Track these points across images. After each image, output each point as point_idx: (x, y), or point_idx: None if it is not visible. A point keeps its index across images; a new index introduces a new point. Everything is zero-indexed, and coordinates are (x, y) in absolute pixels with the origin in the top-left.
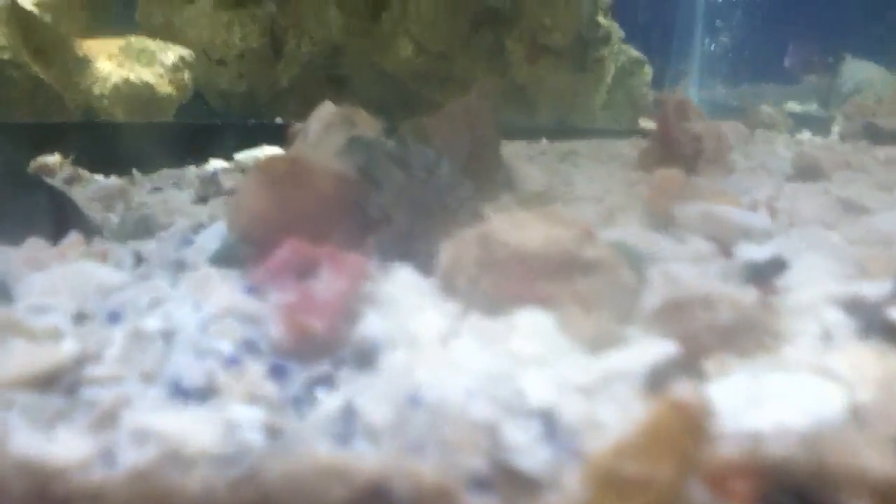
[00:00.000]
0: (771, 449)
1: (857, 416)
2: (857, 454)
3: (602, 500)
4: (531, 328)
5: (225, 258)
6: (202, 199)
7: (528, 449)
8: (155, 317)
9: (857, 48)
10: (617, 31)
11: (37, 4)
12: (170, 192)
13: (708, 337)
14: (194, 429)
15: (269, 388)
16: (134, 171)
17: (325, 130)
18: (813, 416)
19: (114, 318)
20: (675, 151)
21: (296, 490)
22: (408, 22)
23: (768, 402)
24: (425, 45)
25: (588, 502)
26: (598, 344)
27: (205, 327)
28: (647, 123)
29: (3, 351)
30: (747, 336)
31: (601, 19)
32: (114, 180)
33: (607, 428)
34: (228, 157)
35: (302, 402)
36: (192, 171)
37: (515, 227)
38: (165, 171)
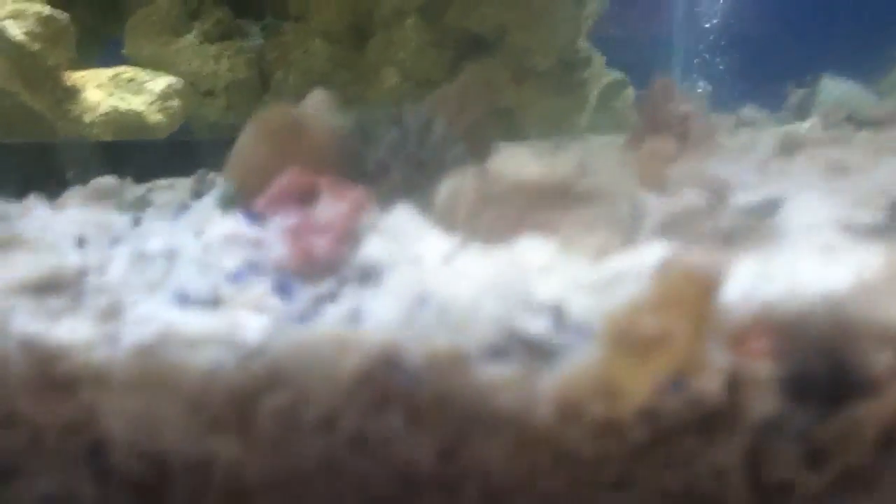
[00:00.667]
0: (788, 308)
1: (869, 284)
2: (876, 309)
3: (619, 358)
4: (534, 248)
5: (225, 204)
6: (197, 195)
7: (541, 331)
8: (157, 242)
9: (835, 67)
10: (598, 55)
11: (26, 34)
12: (163, 192)
13: (712, 238)
14: (200, 322)
15: (275, 303)
16: (128, 178)
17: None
18: (826, 284)
19: (116, 242)
20: (663, 132)
21: (307, 360)
22: (393, 51)
23: (779, 277)
24: (410, 73)
25: (605, 360)
26: (602, 254)
27: (208, 249)
28: None
29: (6, 260)
30: (750, 237)
31: (582, 43)
32: (108, 180)
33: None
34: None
35: (308, 315)
36: (184, 179)
37: (513, 163)
38: (158, 182)
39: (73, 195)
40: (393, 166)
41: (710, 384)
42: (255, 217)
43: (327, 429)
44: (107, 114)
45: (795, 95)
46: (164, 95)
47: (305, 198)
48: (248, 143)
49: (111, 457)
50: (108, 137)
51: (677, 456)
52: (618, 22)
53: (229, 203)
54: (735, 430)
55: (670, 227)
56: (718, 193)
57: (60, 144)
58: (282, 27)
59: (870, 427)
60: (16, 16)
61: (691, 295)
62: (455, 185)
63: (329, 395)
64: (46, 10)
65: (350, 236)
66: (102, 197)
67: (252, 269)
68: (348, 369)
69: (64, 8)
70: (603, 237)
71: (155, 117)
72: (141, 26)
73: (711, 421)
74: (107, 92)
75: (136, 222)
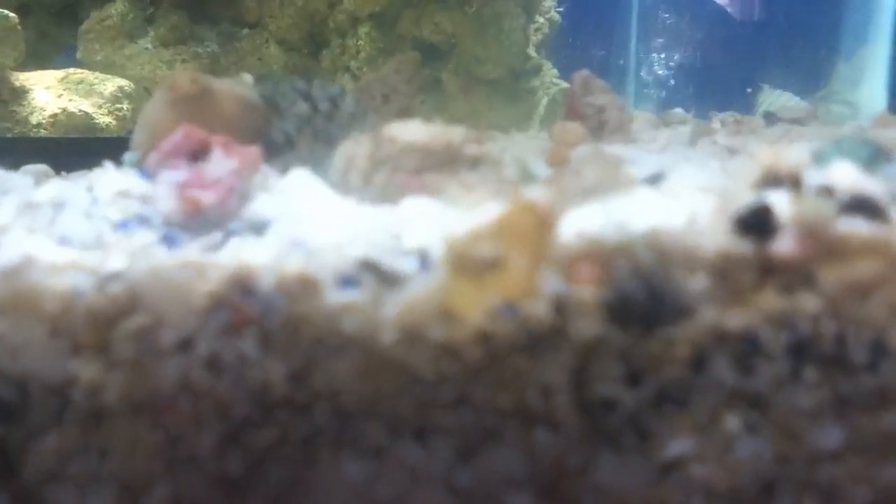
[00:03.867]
0: (616, 240)
1: (695, 221)
2: (692, 239)
3: (457, 283)
4: (417, 207)
5: (127, 165)
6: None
7: (394, 261)
8: (47, 194)
9: (773, 79)
10: (547, 64)
11: None
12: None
13: (573, 191)
14: (68, 257)
15: (158, 252)
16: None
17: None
18: (656, 221)
19: (6, 193)
20: (580, 118)
21: (162, 285)
22: (347, 58)
23: (616, 216)
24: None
25: (443, 285)
26: (475, 208)
27: (96, 202)
28: None
29: None
30: (607, 191)
31: (531, 52)
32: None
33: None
34: None
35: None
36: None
37: (406, 129)
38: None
39: None
40: (300, 139)
41: (539, 308)
42: (148, 173)
43: (183, 351)
44: (55, 115)
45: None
46: (114, 98)
47: (198, 155)
48: (154, 108)
49: None
50: None
51: (509, 376)
52: (573, 36)
53: (131, 163)
54: (561, 350)
55: (544, 185)
56: (611, 168)
57: None
58: (237, 33)
59: (682, 347)
60: None
61: (528, 225)
62: (349, 148)
63: (185, 318)
64: None
65: (240, 191)
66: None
67: (140, 221)
68: (202, 292)
69: (19, 14)
70: (483, 195)
71: (104, 119)
72: (94, 30)
73: (540, 343)
74: (55, 93)
75: (37, 183)
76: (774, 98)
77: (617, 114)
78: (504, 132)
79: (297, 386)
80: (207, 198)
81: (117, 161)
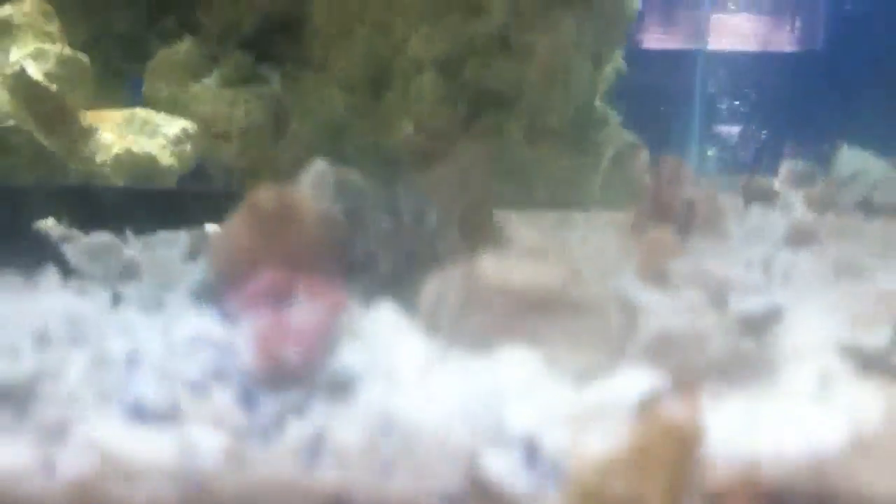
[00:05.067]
0: (771, 472)
1: (860, 444)
2: (861, 479)
3: None
4: (515, 362)
5: (203, 293)
6: (192, 256)
7: (507, 472)
8: (121, 341)
9: (854, 137)
10: (613, 115)
11: (45, 74)
12: (161, 250)
13: (700, 370)
14: (146, 447)
15: (236, 415)
16: (127, 231)
17: (315, 188)
18: (814, 444)
19: (77, 341)
20: (668, 215)
21: None
22: (409, 102)
23: (766, 430)
24: (426, 125)
25: None
26: (584, 376)
27: (173, 351)
28: None
29: None
30: (741, 370)
31: (598, 103)
32: (104, 236)
33: (592, 455)
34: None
35: (269, 429)
36: (185, 234)
37: (500, 266)
38: (161, 235)
39: (48, 276)
40: (382, 258)
41: None
42: (228, 316)
43: None
44: (119, 155)
45: (797, 165)
46: (178, 140)
47: (281, 298)
48: (235, 226)
49: None
50: (120, 179)
51: None
52: (638, 79)
53: (207, 291)
54: None
55: (660, 351)
56: (718, 295)
57: (73, 188)
58: (301, 75)
59: None
60: (37, 56)
61: (669, 452)
62: (440, 285)
63: None
64: (67, 50)
65: (324, 342)
66: (93, 258)
67: (217, 375)
68: None
69: (89, 46)
70: (588, 355)
71: (167, 161)
72: (160, 68)
73: None
74: (120, 133)
75: (115, 300)
76: (855, 160)
77: (708, 208)
78: (568, 187)
79: None
80: (290, 354)
81: (183, 219)
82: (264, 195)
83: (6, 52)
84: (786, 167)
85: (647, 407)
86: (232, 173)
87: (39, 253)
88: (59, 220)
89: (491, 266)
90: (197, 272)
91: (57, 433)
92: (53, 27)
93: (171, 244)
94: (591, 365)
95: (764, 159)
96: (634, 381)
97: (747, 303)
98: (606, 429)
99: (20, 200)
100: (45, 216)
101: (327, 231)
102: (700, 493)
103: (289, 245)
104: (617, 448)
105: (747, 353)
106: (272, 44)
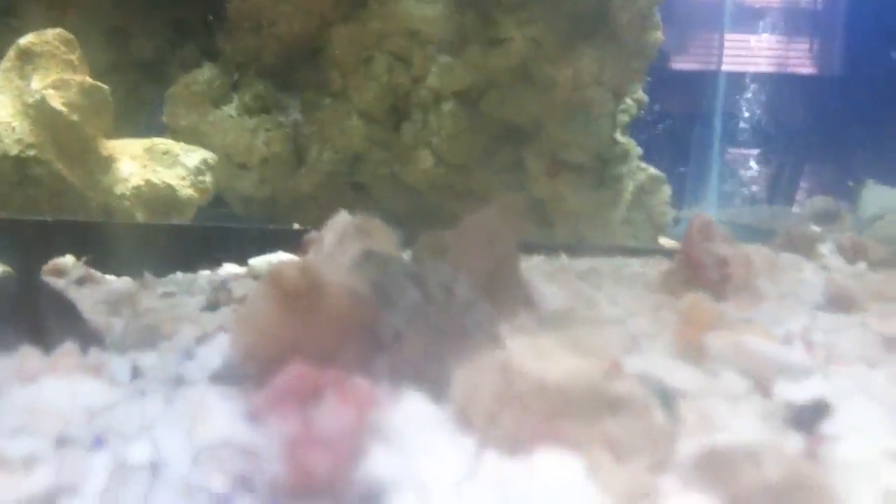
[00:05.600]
0: None
1: None
2: None
3: None
4: (555, 474)
5: (226, 376)
6: (212, 307)
7: None
8: (142, 445)
9: (881, 173)
10: (634, 149)
11: (65, 104)
12: (179, 298)
13: (754, 498)
14: None
15: None
16: (146, 273)
17: (340, 241)
18: None
19: (98, 444)
20: (701, 276)
21: None
22: (429, 134)
23: None
24: (445, 156)
25: None
26: (630, 498)
27: (196, 459)
28: (666, 241)
29: None
30: (797, 497)
31: (619, 137)
32: (124, 282)
33: None
34: (243, 262)
35: None
36: (204, 275)
37: (537, 357)
38: (179, 276)
39: (66, 352)
40: (410, 336)
41: None
42: (254, 417)
43: None
44: (139, 187)
45: (821, 202)
46: (198, 170)
47: (309, 395)
48: (260, 302)
49: None
50: (139, 209)
51: None
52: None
53: (231, 374)
54: None
55: (708, 469)
56: (760, 381)
57: (90, 224)
58: (320, 103)
59: None
60: (58, 86)
61: None
62: (474, 378)
63: None
64: (88, 81)
65: (354, 448)
66: (111, 310)
67: (243, 486)
68: None
69: (110, 70)
70: (633, 467)
71: (186, 192)
72: (181, 95)
73: None
74: (140, 164)
75: (134, 374)
76: (882, 196)
77: (742, 268)
78: (589, 221)
79: None
80: (320, 465)
81: (202, 256)
82: (288, 269)
83: (28, 80)
84: (808, 204)
85: None
86: (252, 203)
87: (53, 307)
88: (77, 257)
89: (525, 357)
90: (216, 345)
91: None
92: (75, 56)
93: (189, 291)
94: (636, 481)
95: (783, 191)
96: None
97: (792, 392)
98: None
99: (41, 235)
100: (63, 253)
101: (355, 309)
102: None
103: (316, 327)
104: None
105: (802, 476)
106: (292, 72)
